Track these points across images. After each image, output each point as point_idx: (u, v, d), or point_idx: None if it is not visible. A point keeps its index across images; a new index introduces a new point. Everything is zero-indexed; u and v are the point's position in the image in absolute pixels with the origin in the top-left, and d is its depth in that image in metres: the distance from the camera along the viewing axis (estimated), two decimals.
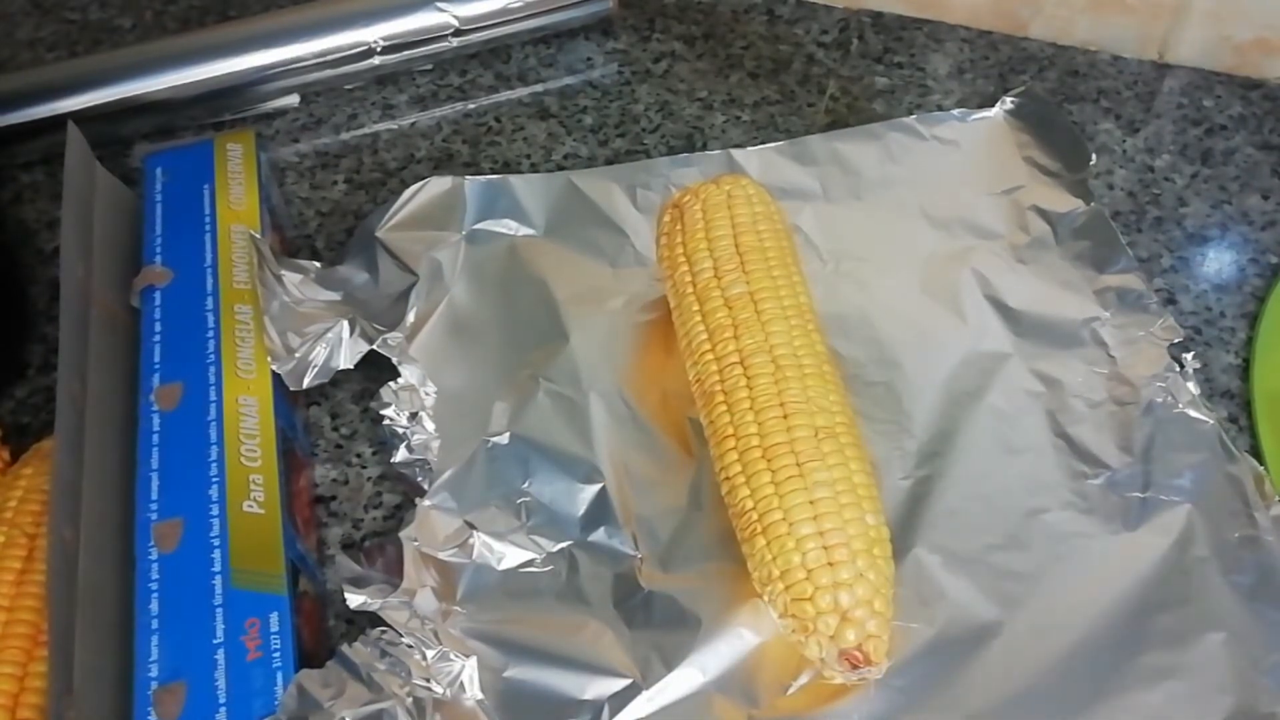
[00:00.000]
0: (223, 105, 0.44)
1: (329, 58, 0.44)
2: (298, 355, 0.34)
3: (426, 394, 0.35)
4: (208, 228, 0.37)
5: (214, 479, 0.31)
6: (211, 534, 0.30)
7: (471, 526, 0.32)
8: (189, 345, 0.34)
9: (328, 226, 0.42)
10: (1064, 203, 0.40)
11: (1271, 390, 0.36)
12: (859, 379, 0.36)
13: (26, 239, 0.42)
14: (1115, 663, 0.30)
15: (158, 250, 0.36)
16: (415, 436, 0.34)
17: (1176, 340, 0.36)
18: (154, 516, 0.30)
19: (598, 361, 0.36)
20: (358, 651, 0.29)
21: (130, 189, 0.40)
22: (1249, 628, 0.30)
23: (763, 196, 0.36)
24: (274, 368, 0.34)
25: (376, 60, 0.45)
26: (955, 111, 0.44)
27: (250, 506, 0.31)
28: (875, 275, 0.39)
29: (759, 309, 0.32)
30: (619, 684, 0.29)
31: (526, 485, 0.33)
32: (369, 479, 0.35)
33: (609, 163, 0.43)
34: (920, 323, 0.37)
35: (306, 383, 0.34)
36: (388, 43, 0.44)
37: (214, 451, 0.32)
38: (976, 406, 0.35)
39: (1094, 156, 0.42)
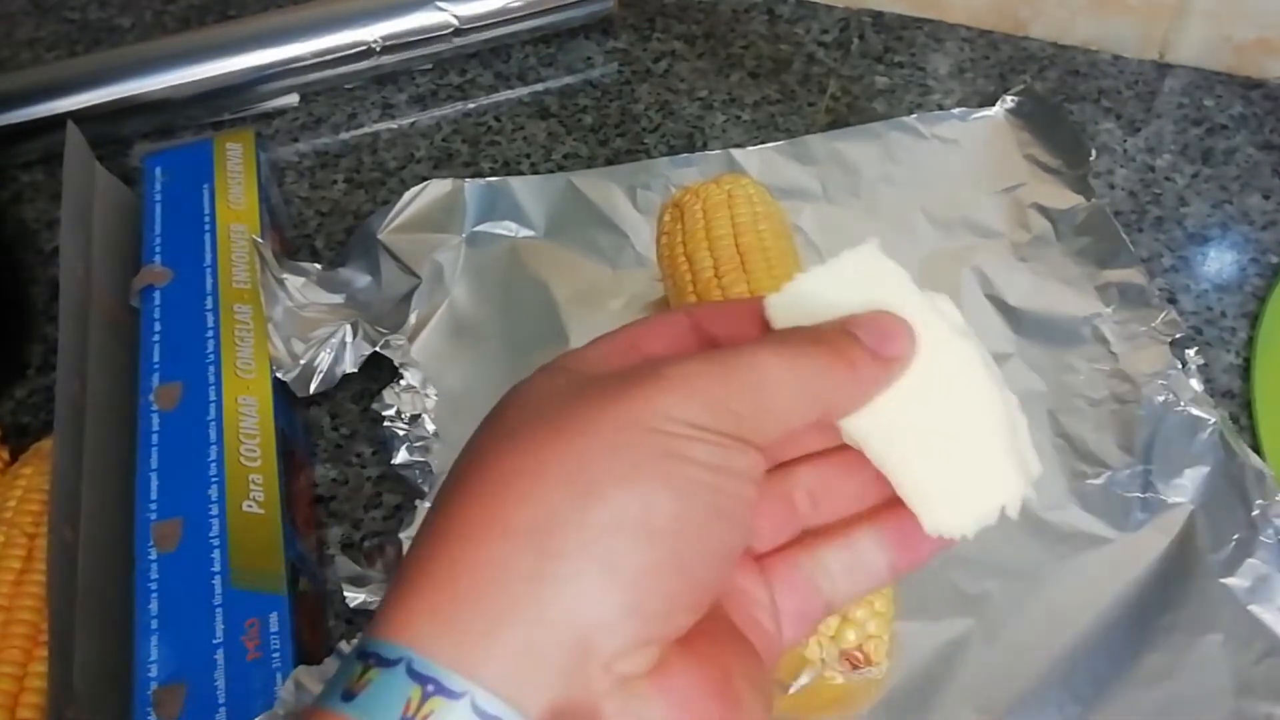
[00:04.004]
0: (222, 105, 0.44)
1: (328, 57, 0.44)
2: (303, 361, 0.34)
3: (428, 396, 0.35)
4: (207, 227, 0.37)
5: (213, 479, 0.31)
6: (211, 534, 0.30)
7: None
8: (188, 345, 0.34)
9: (327, 226, 0.42)
10: (1065, 199, 0.40)
11: (1272, 390, 0.36)
12: None
13: (26, 239, 0.42)
14: (1115, 664, 0.30)
15: (157, 250, 0.36)
16: (416, 439, 0.34)
17: (1178, 335, 0.36)
18: (153, 516, 0.30)
19: None
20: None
21: (130, 189, 0.40)
22: (1247, 629, 0.30)
23: (763, 196, 0.35)
24: (279, 375, 0.34)
25: (376, 60, 0.45)
26: (956, 111, 0.44)
27: (250, 506, 0.31)
28: None
29: None
30: None
31: None
32: (369, 479, 0.35)
33: (609, 162, 0.43)
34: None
35: (313, 389, 0.34)
36: (387, 42, 0.44)
37: (213, 451, 0.32)
38: None
39: (1094, 152, 0.42)
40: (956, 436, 0.19)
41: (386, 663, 0.16)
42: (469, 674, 0.15)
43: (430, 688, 0.15)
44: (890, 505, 0.19)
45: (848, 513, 0.20)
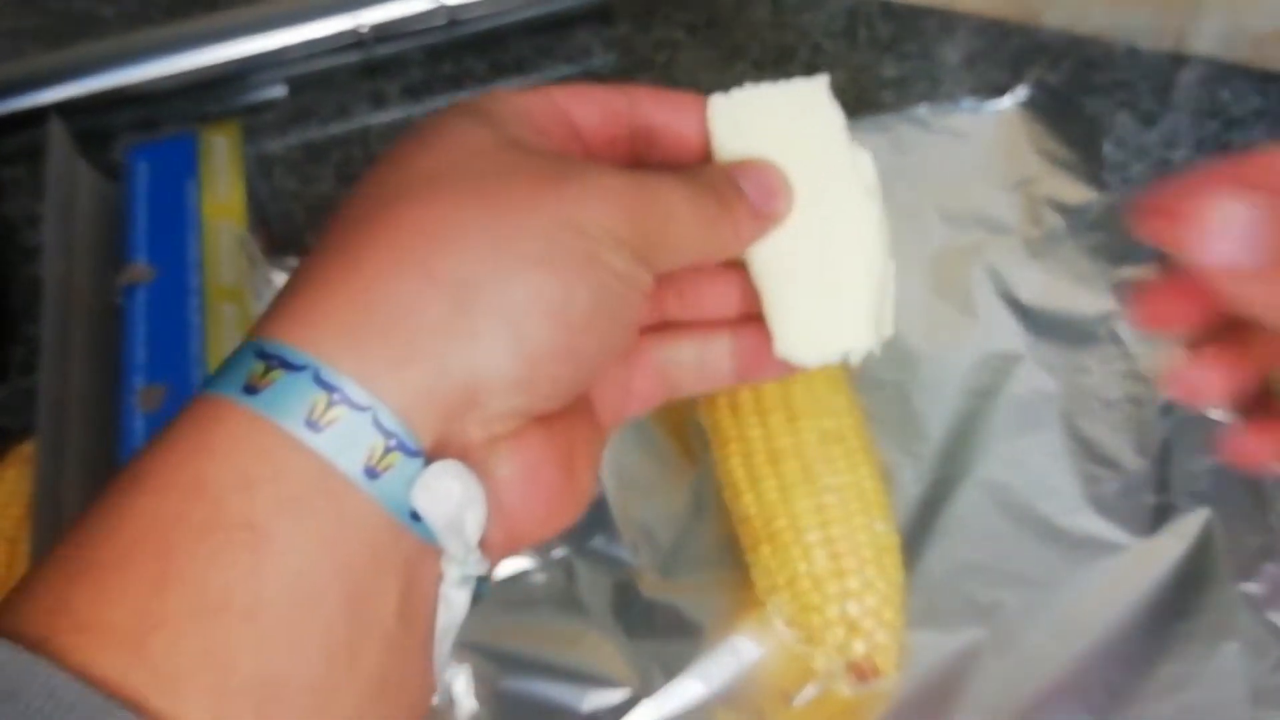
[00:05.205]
0: (208, 96, 0.43)
1: (318, 48, 0.43)
2: None
3: None
4: (192, 223, 0.36)
5: None
6: None
7: None
8: (173, 345, 0.33)
9: (316, 222, 0.41)
10: (1079, 194, 0.40)
11: None
12: (868, 379, 0.35)
13: (7, 236, 0.41)
14: (1130, 673, 0.29)
15: (140, 247, 0.36)
16: None
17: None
18: None
19: None
20: None
21: (113, 183, 0.39)
22: (1264, 638, 0.30)
23: None
24: None
25: (367, 50, 0.44)
26: (966, 102, 0.43)
27: None
28: None
29: None
30: (619, 695, 0.29)
31: None
32: None
33: None
34: (931, 321, 0.37)
35: None
36: (379, 31, 0.43)
37: None
38: (990, 408, 0.34)
39: (1108, 146, 0.41)
40: (831, 279, 0.21)
41: (291, 366, 0.16)
42: (373, 392, 0.16)
43: (336, 396, 0.16)
44: (746, 319, 0.22)
45: (708, 316, 0.22)
